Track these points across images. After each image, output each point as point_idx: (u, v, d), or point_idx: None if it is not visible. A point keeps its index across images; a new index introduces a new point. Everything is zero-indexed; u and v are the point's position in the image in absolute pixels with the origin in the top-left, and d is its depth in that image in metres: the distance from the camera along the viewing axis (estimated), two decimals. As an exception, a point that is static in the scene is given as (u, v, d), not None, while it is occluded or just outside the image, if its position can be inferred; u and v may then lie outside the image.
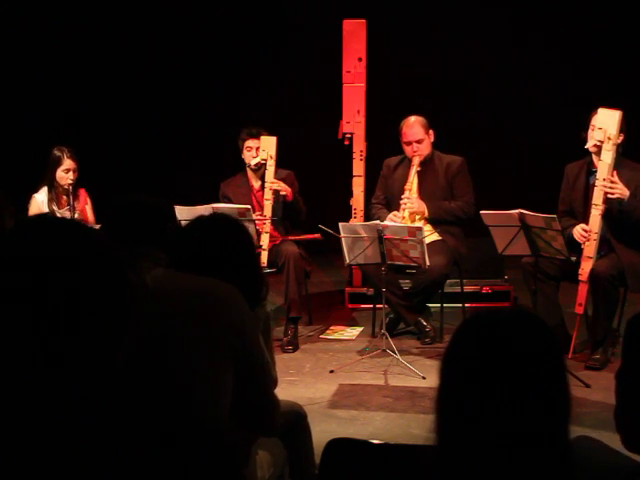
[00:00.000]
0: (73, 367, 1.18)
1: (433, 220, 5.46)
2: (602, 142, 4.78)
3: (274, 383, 2.42)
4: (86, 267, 1.21)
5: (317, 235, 5.57)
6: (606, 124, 4.77)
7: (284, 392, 4.41)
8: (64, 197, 5.53)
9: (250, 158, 5.67)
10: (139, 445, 1.20)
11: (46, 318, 1.16)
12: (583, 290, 4.85)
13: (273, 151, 5.52)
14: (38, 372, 1.17)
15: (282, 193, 5.54)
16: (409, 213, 5.41)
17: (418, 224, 5.26)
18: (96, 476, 1.16)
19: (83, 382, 1.19)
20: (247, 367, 2.22)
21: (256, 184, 5.75)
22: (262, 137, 5.58)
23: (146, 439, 1.21)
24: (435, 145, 5.58)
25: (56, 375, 1.17)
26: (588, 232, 4.81)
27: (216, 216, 2.68)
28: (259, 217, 5.41)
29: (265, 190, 5.54)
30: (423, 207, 5.43)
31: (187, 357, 2.11)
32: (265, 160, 5.55)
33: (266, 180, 5.54)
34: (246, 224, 5.14)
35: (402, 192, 5.46)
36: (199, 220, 2.57)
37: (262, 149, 5.55)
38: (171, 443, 1.15)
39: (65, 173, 5.48)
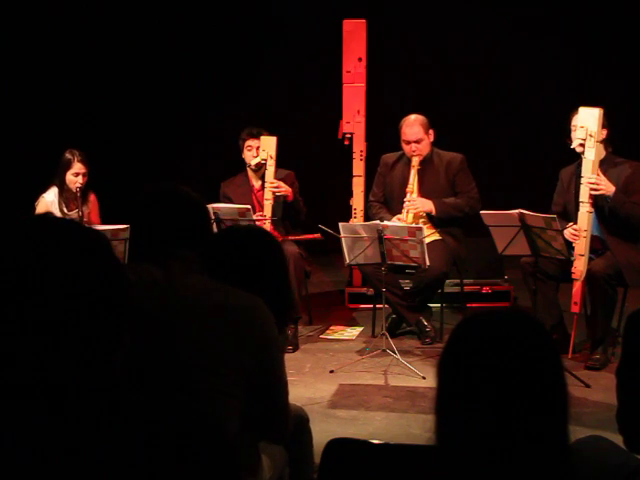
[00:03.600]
0: (71, 367, 1.18)
1: (440, 219, 5.45)
2: (585, 140, 4.81)
3: (286, 396, 2.39)
4: (84, 267, 1.20)
5: (317, 235, 5.57)
6: (587, 122, 4.80)
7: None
8: (72, 200, 5.53)
9: (250, 158, 5.67)
10: (142, 447, 1.20)
11: (45, 318, 1.16)
12: (578, 289, 4.86)
13: (273, 151, 5.52)
14: (36, 372, 1.17)
15: (279, 194, 5.54)
16: (413, 215, 5.40)
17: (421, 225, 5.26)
18: (98, 477, 1.16)
19: (81, 382, 1.19)
20: (266, 381, 2.17)
21: (256, 184, 5.76)
22: (262, 137, 5.58)
23: (148, 442, 1.21)
24: (435, 144, 5.57)
25: (54, 375, 1.17)
26: (577, 230, 4.83)
27: (254, 229, 2.62)
28: (259, 217, 5.41)
29: (265, 190, 5.55)
30: (429, 205, 5.41)
31: (200, 363, 2.08)
32: (265, 160, 5.55)
33: (266, 180, 5.54)
34: (246, 224, 5.23)
35: (402, 193, 5.46)
36: (236, 230, 2.53)
37: (262, 149, 5.56)
38: (174, 446, 1.15)
39: (74, 177, 5.47)
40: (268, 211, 5.48)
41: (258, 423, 2.27)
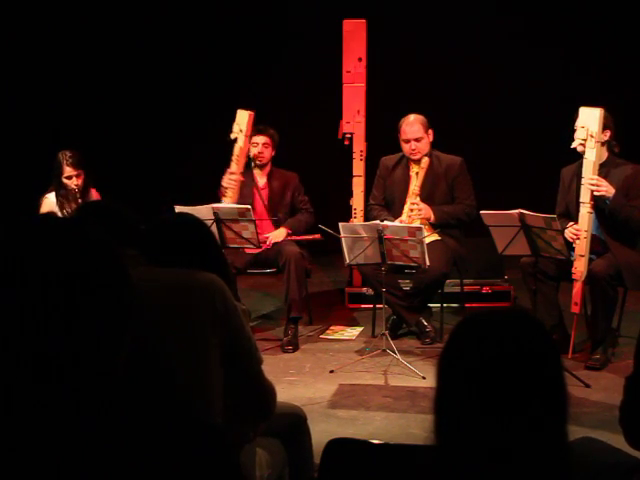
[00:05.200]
0: (73, 368, 1.18)
1: (438, 225, 5.45)
2: (585, 140, 4.80)
3: (260, 363, 2.43)
4: (87, 267, 1.21)
5: (317, 235, 5.58)
6: (587, 122, 4.80)
7: (284, 392, 4.42)
8: (73, 201, 5.50)
9: (255, 152, 5.70)
10: (135, 444, 1.20)
11: (46, 318, 1.17)
12: (578, 289, 4.86)
13: (245, 126, 5.53)
14: (38, 372, 1.17)
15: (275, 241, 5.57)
16: (416, 220, 5.39)
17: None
18: (93, 477, 1.16)
19: (84, 383, 1.19)
20: (236, 351, 2.23)
21: (261, 181, 5.77)
22: (238, 111, 5.61)
23: (141, 438, 1.21)
24: (435, 145, 5.57)
25: (56, 375, 1.17)
26: (578, 231, 4.83)
27: (183, 216, 2.71)
28: (264, 218, 5.45)
29: (232, 163, 5.58)
30: (429, 212, 5.41)
31: (174, 353, 2.12)
32: (237, 137, 5.58)
33: (234, 153, 5.55)
34: (246, 224, 5.26)
35: (403, 195, 5.46)
36: (166, 220, 2.61)
37: (236, 123, 5.57)
38: (166, 441, 1.15)
39: (68, 180, 5.43)
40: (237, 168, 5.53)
41: (240, 398, 2.30)
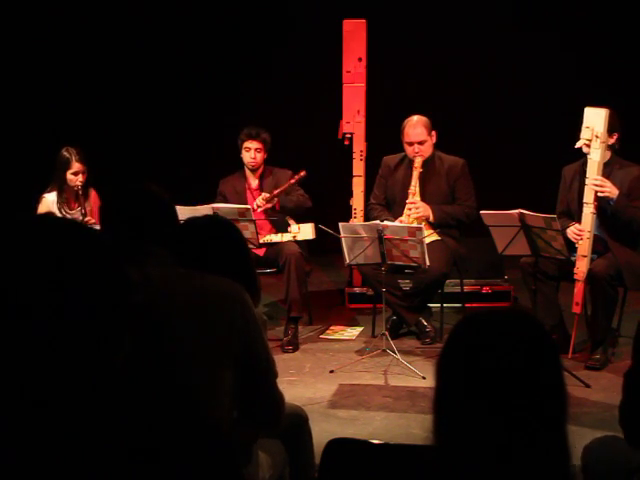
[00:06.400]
0: (71, 367, 1.18)
1: (437, 224, 5.46)
2: (590, 141, 4.79)
3: (275, 377, 2.42)
4: (86, 267, 1.21)
5: (301, 172, 5.65)
6: (593, 123, 4.78)
7: (284, 392, 4.40)
8: (73, 199, 5.50)
9: (248, 158, 5.72)
10: (138, 445, 1.20)
11: (46, 318, 1.17)
12: (579, 289, 4.86)
13: None
14: (36, 371, 1.17)
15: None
16: (415, 219, 5.39)
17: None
18: (95, 477, 1.16)
19: (82, 383, 1.19)
20: (251, 363, 2.21)
21: (253, 183, 5.80)
22: None
23: (146, 438, 1.21)
24: (436, 145, 5.57)
25: (54, 375, 1.17)
26: (581, 231, 4.82)
27: (213, 218, 2.69)
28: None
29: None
30: (428, 211, 5.41)
31: (188, 355, 2.11)
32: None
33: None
34: (246, 224, 5.25)
35: (404, 194, 5.46)
36: (196, 220, 2.58)
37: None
38: (170, 443, 1.15)
39: (74, 176, 5.42)
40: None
41: (252, 408, 2.29)
